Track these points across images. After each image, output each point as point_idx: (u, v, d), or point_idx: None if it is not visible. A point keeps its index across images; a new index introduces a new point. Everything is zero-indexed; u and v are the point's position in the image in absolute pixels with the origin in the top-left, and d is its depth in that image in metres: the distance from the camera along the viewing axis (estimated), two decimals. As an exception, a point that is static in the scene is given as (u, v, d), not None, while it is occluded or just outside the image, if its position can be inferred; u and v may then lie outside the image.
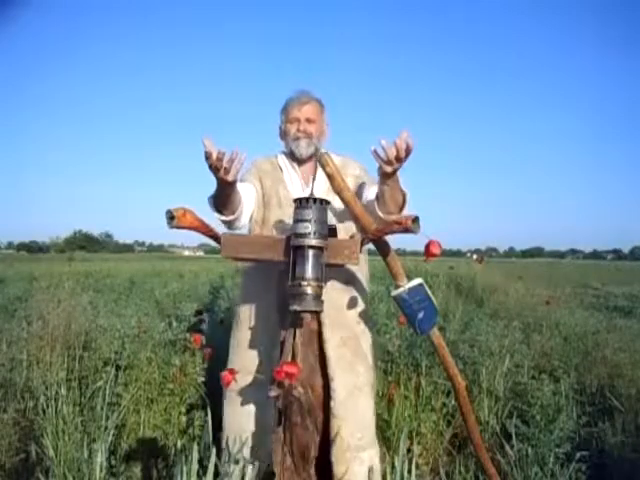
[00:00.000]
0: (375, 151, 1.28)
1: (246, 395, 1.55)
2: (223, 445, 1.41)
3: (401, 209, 1.47)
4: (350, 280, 1.60)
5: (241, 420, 1.56)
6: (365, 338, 1.63)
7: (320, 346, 1.47)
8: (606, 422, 2.22)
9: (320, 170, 1.65)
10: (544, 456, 1.77)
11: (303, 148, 1.65)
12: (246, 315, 1.64)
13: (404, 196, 1.46)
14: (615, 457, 2.00)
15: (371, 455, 1.55)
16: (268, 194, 1.68)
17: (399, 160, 1.28)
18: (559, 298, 5.91)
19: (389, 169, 1.30)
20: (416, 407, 2.35)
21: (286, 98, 1.72)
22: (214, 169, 1.28)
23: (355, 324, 1.59)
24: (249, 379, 1.52)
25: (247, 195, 1.62)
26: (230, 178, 1.31)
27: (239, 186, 1.51)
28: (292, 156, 1.71)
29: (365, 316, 1.65)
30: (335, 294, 1.52)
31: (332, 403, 1.46)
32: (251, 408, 1.55)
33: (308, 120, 1.65)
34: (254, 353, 1.58)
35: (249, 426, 1.54)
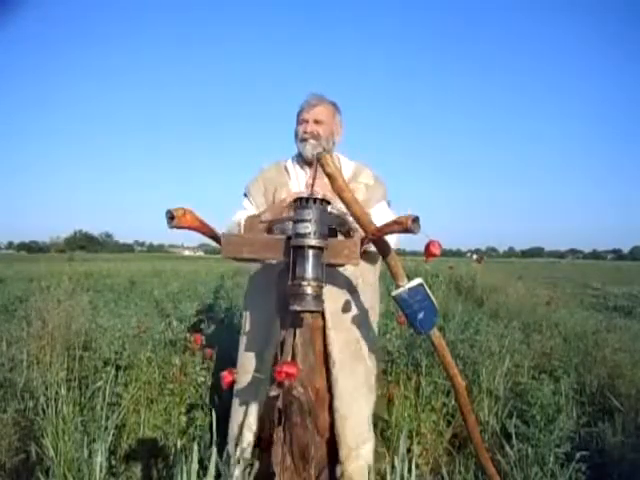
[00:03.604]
0: None
1: (251, 396, 1.57)
2: (229, 446, 1.43)
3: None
4: (354, 282, 1.61)
5: (243, 420, 1.58)
6: (366, 341, 1.64)
7: (325, 347, 1.52)
8: (606, 422, 2.22)
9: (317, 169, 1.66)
10: (544, 456, 1.77)
11: (309, 150, 1.64)
12: (251, 318, 1.66)
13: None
14: (615, 457, 2.00)
15: (367, 449, 1.59)
16: (271, 201, 1.69)
17: None
18: (559, 298, 5.90)
19: None
20: (416, 407, 2.35)
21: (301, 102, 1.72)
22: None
23: (357, 327, 1.60)
24: (251, 379, 1.55)
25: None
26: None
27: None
28: (301, 158, 1.72)
29: (367, 319, 1.65)
30: (338, 296, 1.55)
31: (337, 403, 1.50)
32: (254, 409, 1.57)
33: (316, 121, 1.65)
34: (260, 355, 1.59)
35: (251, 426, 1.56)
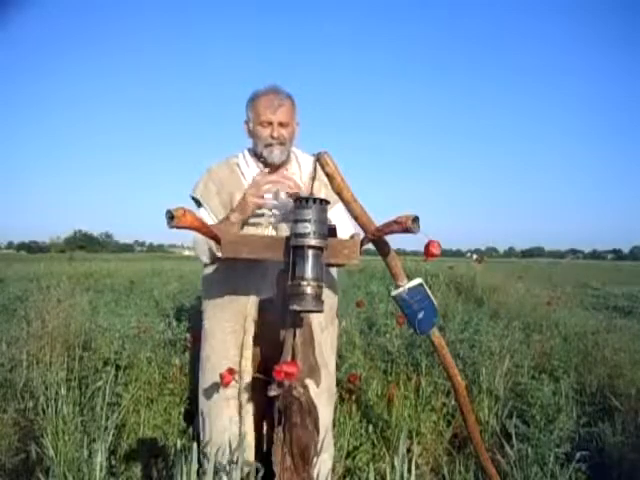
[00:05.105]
0: None
1: (221, 394, 1.54)
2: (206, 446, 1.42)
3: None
4: None
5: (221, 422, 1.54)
6: (328, 344, 1.63)
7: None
8: (606, 422, 2.21)
9: (295, 169, 1.64)
10: (544, 456, 1.77)
11: (277, 156, 1.58)
12: (217, 312, 1.62)
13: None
14: (615, 457, 2.00)
15: (323, 459, 1.54)
16: (229, 205, 1.59)
17: None
18: (559, 298, 5.90)
19: None
20: (416, 407, 2.35)
21: (254, 91, 1.62)
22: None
23: (319, 331, 1.57)
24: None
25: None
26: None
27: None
28: (256, 156, 1.64)
29: (330, 322, 1.64)
30: None
31: None
32: (229, 409, 1.54)
33: (281, 124, 1.57)
34: (227, 356, 1.56)
35: (228, 428, 1.52)
